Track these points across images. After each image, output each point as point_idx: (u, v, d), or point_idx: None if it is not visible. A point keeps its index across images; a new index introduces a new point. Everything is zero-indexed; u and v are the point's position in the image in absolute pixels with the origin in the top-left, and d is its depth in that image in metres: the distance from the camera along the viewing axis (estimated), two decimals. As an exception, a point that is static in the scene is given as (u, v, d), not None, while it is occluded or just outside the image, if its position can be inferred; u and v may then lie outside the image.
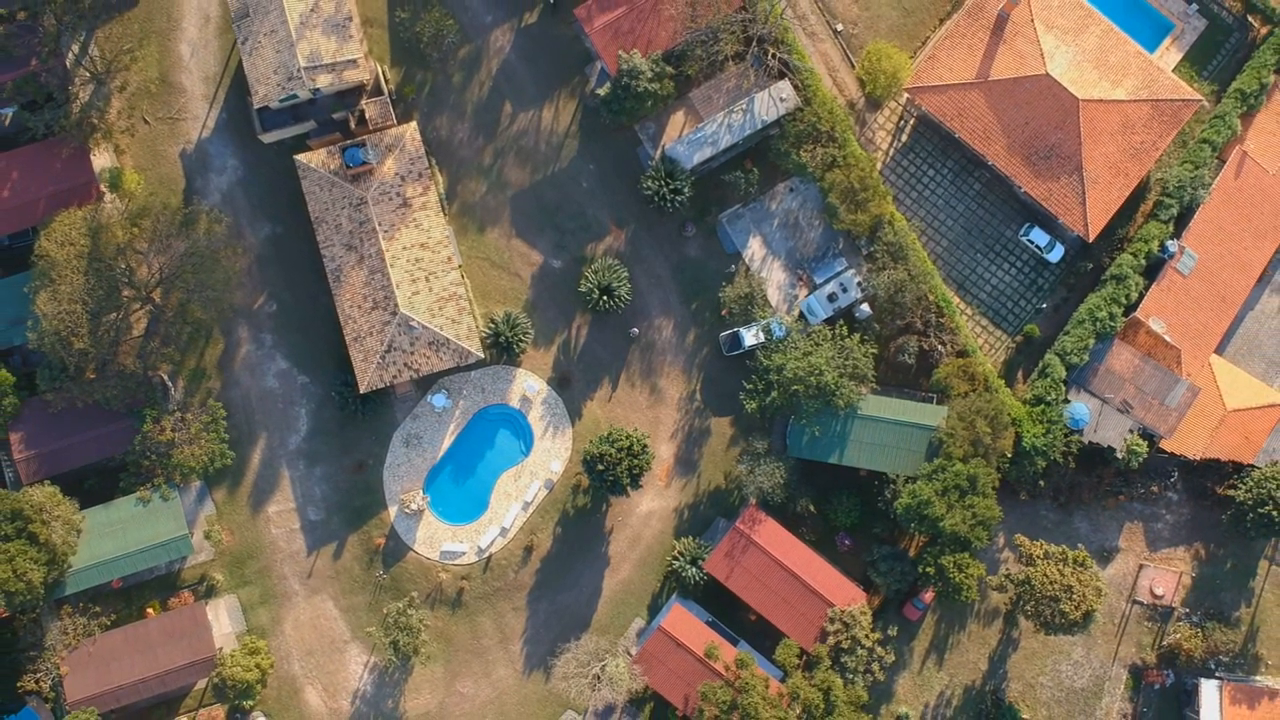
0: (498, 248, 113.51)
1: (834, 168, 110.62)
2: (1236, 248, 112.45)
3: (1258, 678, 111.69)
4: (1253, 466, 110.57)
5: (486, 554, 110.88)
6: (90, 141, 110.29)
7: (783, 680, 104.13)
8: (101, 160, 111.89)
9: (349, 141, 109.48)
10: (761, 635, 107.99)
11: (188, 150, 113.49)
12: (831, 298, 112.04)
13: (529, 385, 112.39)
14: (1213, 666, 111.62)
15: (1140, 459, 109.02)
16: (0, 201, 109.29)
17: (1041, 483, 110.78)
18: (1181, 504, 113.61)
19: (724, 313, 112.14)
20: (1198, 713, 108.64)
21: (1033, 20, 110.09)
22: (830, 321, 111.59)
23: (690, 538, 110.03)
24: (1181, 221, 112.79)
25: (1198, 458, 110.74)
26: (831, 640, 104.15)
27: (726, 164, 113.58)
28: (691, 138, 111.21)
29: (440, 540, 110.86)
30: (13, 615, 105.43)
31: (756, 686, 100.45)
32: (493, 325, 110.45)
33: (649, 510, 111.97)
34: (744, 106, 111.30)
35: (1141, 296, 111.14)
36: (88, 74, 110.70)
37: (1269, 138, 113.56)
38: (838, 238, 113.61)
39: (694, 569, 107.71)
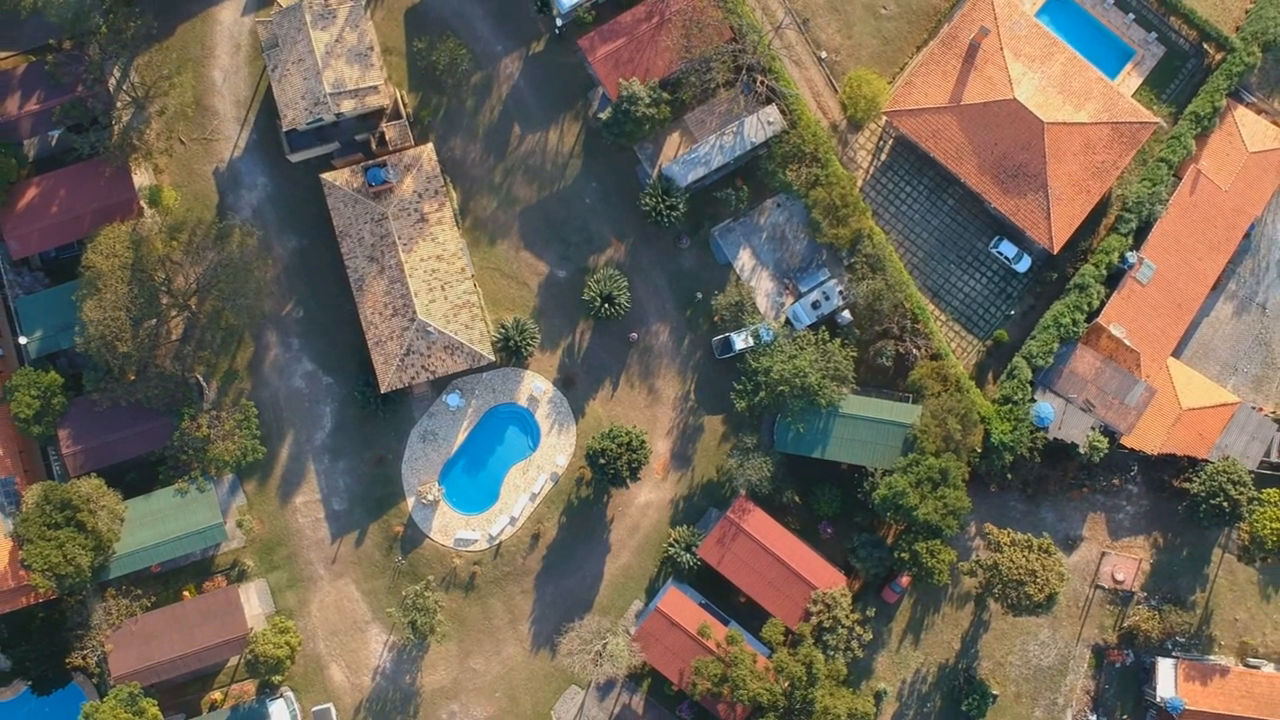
0: (507, 259, 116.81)
1: (817, 186, 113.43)
2: (1192, 259, 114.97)
3: (1211, 656, 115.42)
4: (1206, 461, 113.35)
5: (497, 541, 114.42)
6: (131, 161, 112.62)
7: (769, 656, 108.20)
8: (141, 178, 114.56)
9: (370, 161, 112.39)
10: (750, 616, 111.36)
11: (221, 169, 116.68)
12: (815, 305, 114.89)
13: (536, 386, 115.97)
14: (1169, 646, 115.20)
15: (1102, 454, 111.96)
16: (49, 217, 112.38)
17: (1010, 476, 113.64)
18: (1141, 496, 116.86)
19: (716, 319, 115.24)
20: (1155, 689, 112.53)
21: (1002, 49, 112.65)
22: (814, 327, 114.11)
23: (685, 526, 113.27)
24: (1140, 234, 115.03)
25: (1155, 453, 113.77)
26: (814, 620, 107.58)
27: (718, 182, 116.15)
28: (686, 158, 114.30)
29: (454, 528, 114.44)
30: (62, 597, 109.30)
31: (745, 661, 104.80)
32: (503, 330, 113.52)
33: (647, 501, 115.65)
34: (735, 129, 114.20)
35: (1103, 304, 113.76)
36: (129, 98, 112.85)
37: (1221, 157, 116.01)
38: (821, 250, 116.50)
39: (688, 555, 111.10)
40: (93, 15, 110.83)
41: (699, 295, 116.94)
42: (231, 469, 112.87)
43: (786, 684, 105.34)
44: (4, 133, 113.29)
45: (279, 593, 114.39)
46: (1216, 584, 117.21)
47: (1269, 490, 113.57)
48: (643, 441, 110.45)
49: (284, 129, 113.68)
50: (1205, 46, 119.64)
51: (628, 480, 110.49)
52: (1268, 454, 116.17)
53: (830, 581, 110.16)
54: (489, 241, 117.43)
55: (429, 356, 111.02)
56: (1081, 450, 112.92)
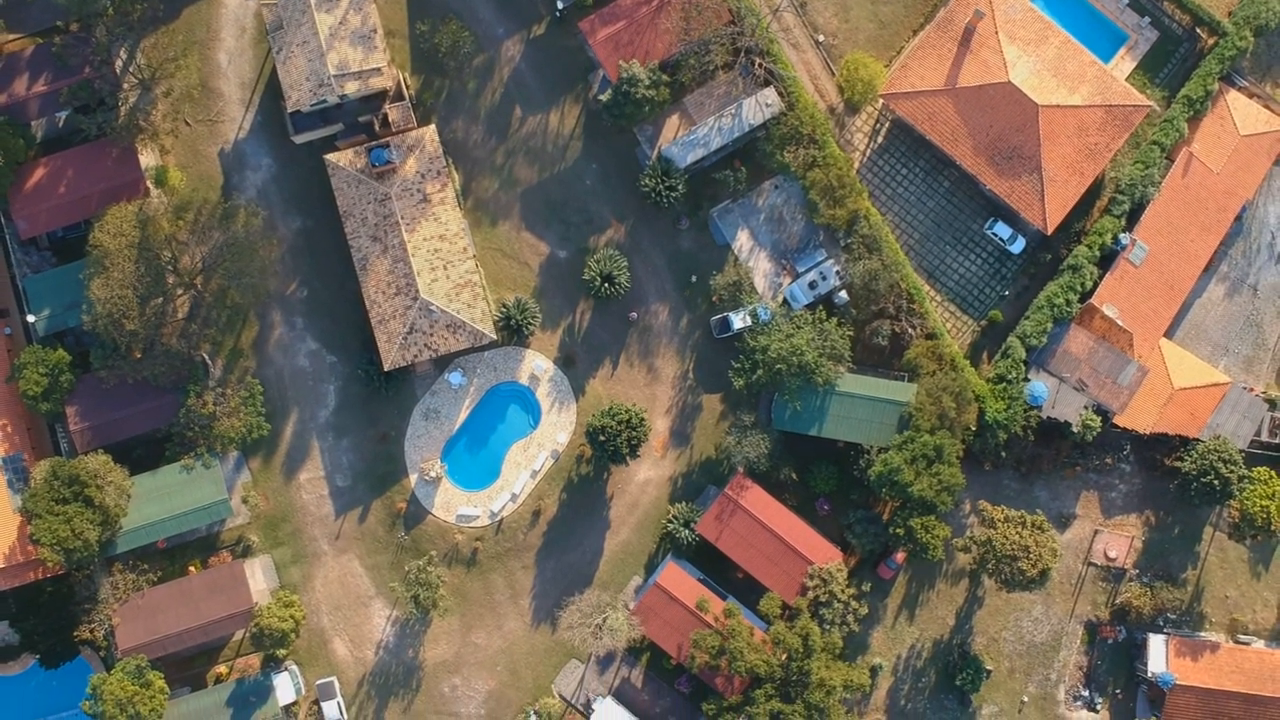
0: (509, 239, 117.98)
1: (815, 167, 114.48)
2: (1184, 240, 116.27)
3: (1201, 633, 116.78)
4: (1198, 440, 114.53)
5: (498, 517, 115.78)
6: (137, 142, 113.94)
7: (766, 630, 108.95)
8: (148, 159, 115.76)
9: (374, 142, 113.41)
10: (748, 591, 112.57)
11: (226, 150, 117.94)
12: (812, 285, 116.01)
13: (537, 364, 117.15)
14: (1161, 623, 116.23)
15: (1094, 433, 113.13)
16: (57, 197, 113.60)
17: (1004, 454, 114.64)
18: (1133, 474, 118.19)
19: (714, 299, 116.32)
20: (1146, 664, 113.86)
21: (997, 32, 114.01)
22: (811, 307, 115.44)
23: (683, 503, 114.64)
24: (1133, 216, 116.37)
25: (1148, 432, 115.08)
26: (811, 594, 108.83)
27: (717, 163, 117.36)
28: (685, 139, 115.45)
29: (456, 505, 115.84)
30: (69, 572, 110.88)
31: (743, 633, 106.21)
32: (504, 309, 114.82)
33: (646, 478, 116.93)
34: (733, 111, 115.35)
35: (1096, 285, 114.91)
36: (135, 80, 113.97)
37: (1213, 140, 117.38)
38: (818, 231, 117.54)
39: (687, 531, 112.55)
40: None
41: (694, 278, 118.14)
42: (237, 446, 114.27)
43: (784, 656, 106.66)
44: (12, 114, 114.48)
45: (283, 568, 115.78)
46: (1207, 561, 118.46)
47: (1259, 469, 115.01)
48: (642, 419, 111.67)
49: (288, 111, 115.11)
50: (1198, 31, 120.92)
51: (627, 457, 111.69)
52: (1258, 433, 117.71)
53: (826, 557, 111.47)
54: (490, 222, 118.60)
55: (431, 335, 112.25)
56: (1075, 429, 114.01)
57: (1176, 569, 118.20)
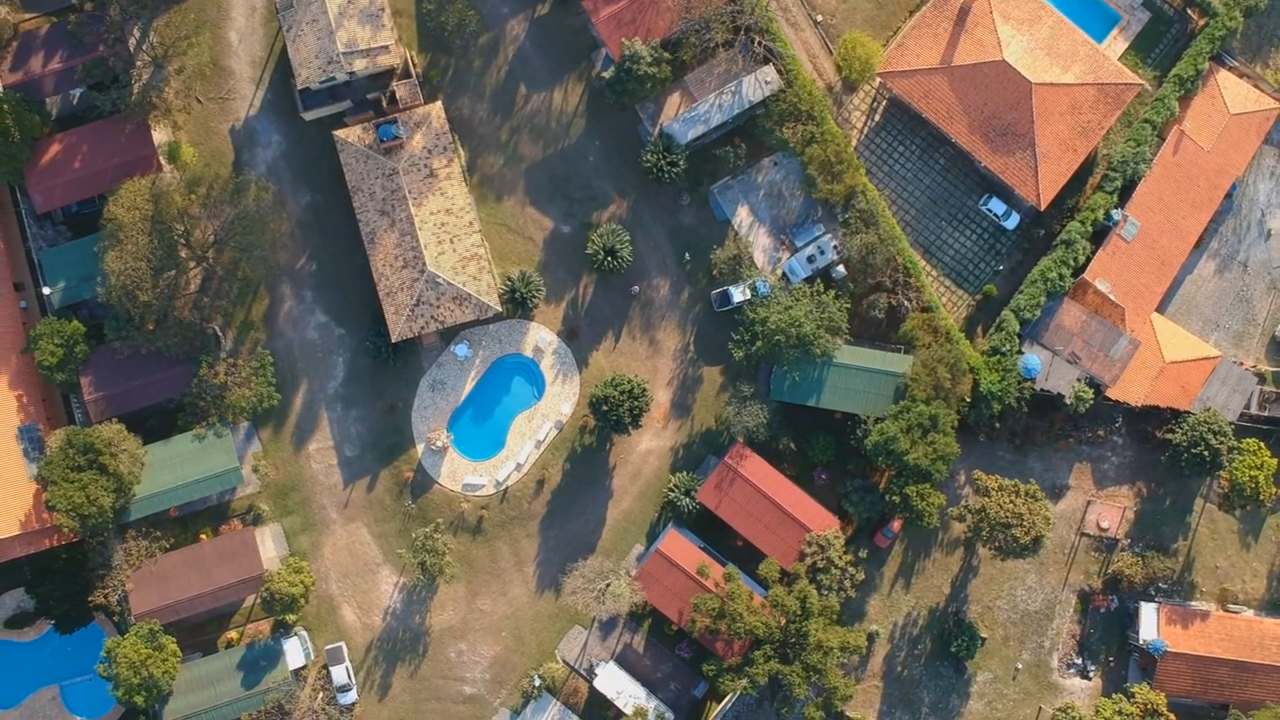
0: (513, 214, 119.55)
1: (813, 143, 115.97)
2: (1175, 217, 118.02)
3: (1192, 602, 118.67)
4: (1188, 413, 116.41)
5: (503, 486, 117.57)
6: (150, 118, 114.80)
7: (765, 595, 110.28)
8: (160, 135, 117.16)
9: (382, 119, 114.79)
10: (747, 559, 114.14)
11: (236, 127, 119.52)
12: (810, 259, 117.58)
13: (541, 337, 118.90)
14: (1152, 592, 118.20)
15: (1087, 405, 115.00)
16: (71, 172, 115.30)
17: (998, 425, 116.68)
18: (1125, 446, 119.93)
19: (715, 273, 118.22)
20: (1138, 632, 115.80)
21: (991, 12, 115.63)
22: (809, 280, 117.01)
23: (684, 472, 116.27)
24: (1125, 193, 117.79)
25: (1139, 405, 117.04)
26: (809, 560, 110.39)
27: (717, 140, 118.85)
28: (686, 116, 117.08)
29: (462, 474, 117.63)
30: (84, 539, 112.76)
31: (741, 596, 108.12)
32: (509, 283, 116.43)
33: (648, 448, 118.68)
34: (733, 89, 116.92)
35: (1089, 260, 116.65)
36: (148, 58, 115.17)
37: (1204, 119, 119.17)
38: (816, 206, 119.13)
39: (687, 499, 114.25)
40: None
41: (688, 255, 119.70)
42: (247, 416, 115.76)
43: (782, 619, 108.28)
44: (28, 90, 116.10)
45: (293, 536, 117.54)
46: (1198, 532, 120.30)
47: (1248, 440, 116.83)
48: (644, 389, 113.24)
49: (298, 88, 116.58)
50: (1189, 12, 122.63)
51: (629, 427, 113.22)
52: (1248, 406, 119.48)
53: (824, 525, 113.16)
54: (496, 198, 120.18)
55: (438, 307, 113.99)
56: (1068, 401, 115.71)
57: (1168, 539, 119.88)
